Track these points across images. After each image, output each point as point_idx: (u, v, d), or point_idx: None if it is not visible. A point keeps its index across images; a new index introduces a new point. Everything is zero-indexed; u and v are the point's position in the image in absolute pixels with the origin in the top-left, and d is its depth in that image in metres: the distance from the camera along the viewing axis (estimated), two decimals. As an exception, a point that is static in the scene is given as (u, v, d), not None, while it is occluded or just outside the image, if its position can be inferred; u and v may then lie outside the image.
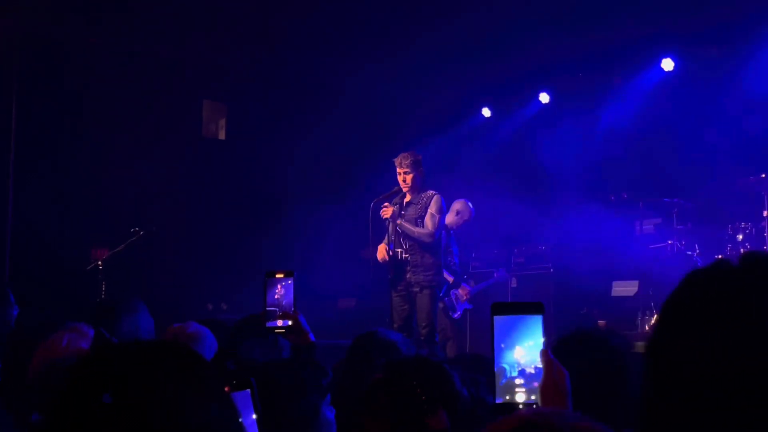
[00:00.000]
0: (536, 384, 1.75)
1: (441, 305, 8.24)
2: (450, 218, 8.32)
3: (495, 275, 9.30)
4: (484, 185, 10.67)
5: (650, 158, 9.67)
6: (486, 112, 11.51)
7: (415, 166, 7.16)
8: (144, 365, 1.27)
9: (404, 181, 7.15)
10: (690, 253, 8.19)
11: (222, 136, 11.07)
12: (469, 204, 8.57)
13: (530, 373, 1.76)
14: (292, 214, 10.45)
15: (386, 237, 7.27)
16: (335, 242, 10.50)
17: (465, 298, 8.56)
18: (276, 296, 3.14)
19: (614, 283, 9.16)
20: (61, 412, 1.23)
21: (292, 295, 3.13)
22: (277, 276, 3.14)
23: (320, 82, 11.02)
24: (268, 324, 3.13)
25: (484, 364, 3.25)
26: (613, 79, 10.00)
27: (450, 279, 8.23)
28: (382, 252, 7.17)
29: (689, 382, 1.10)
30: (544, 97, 10.83)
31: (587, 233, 9.58)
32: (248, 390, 1.85)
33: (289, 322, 3.12)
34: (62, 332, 2.79)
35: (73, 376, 1.27)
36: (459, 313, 8.57)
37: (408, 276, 7.16)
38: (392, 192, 7.35)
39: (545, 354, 1.76)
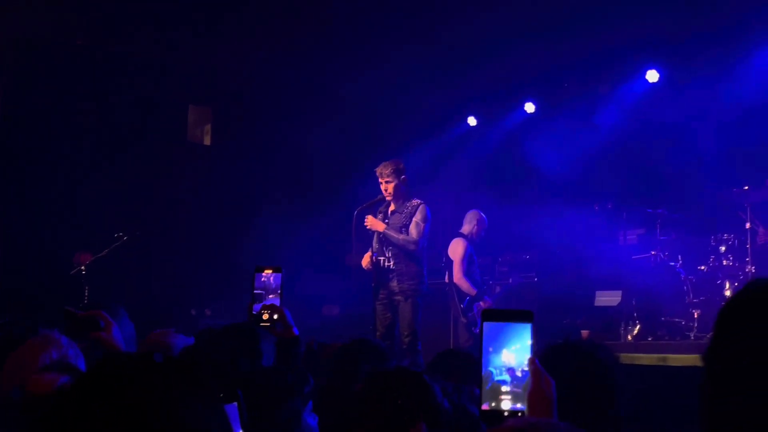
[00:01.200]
0: (521, 388, 1.78)
1: (463, 320, 8.28)
2: (470, 228, 8.50)
3: (510, 281, 9.34)
4: (469, 194, 10.68)
5: (634, 169, 9.73)
6: (472, 120, 11.53)
7: (396, 175, 7.18)
8: (148, 378, 1.29)
9: (386, 190, 7.18)
10: (673, 263, 8.21)
11: (207, 141, 11.05)
12: (481, 213, 8.69)
13: (517, 375, 1.79)
14: (277, 220, 10.44)
15: (372, 247, 7.29)
16: (320, 249, 10.50)
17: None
18: (263, 290, 3.25)
19: (598, 293, 9.19)
20: (63, 420, 1.25)
21: (279, 285, 3.24)
22: (266, 272, 3.27)
23: (306, 89, 11.01)
24: (255, 310, 3.19)
25: (463, 359, 3.22)
26: (599, 90, 10.03)
27: (473, 292, 8.28)
28: (366, 260, 7.17)
29: (747, 382, 1.21)
30: (529, 107, 10.84)
31: (572, 242, 9.60)
32: (235, 403, 1.86)
33: (275, 315, 3.16)
34: (34, 339, 2.73)
35: (78, 385, 1.28)
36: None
37: (391, 284, 7.16)
38: (376, 200, 7.36)
39: (533, 362, 1.78)
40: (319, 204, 10.72)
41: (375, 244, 7.23)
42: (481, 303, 8.37)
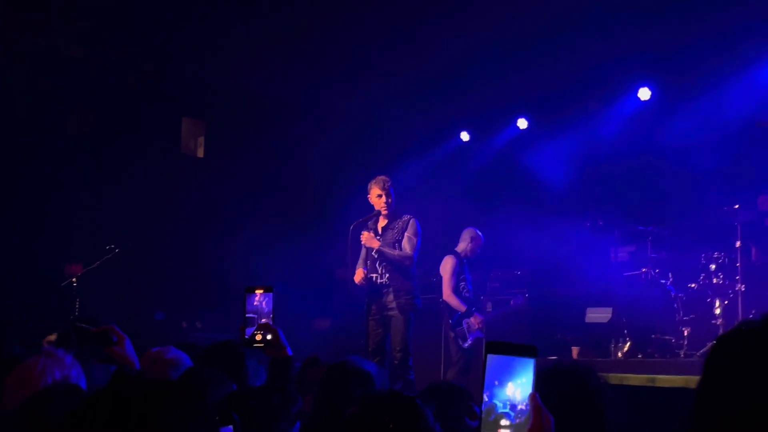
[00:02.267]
0: (522, 423, 1.81)
1: (452, 334, 8.36)
2: (464, 246, 8.59)
3: (512, 302, 9.32)
4: (461, 210, 10.69)
5: (626, 185, 9.72)
6: (464, 136, 11.57)
7: (387, 190, 7.24)
8: (156, 404, 1.36)
9: (388, 203, 7.19)
10: (663, 281, 8.23)
11: (201, 153, 11.06)
12: (478, 231, 8.76)
13: (519, 410, 1.82)
14: (269, 232, 10.42)
15: (360, 260, 7.28)
16: (311, 262, 10.51)
17: (477, 326, 8.47)
18: (255, 311, 3.19)
19: (588, 310, 9.14)
20: None
21: (271, 311, 3.18)
22: (257, 291, 3.20)
23: (298, 104, 11.03)
24: (248, 333, 3.15)
25: (458, 394, 3.22)
26: (591, 107, 10.08)
27: (462, 308, 8.37)
28: (360, 276, 7.17)
29: (729, 421, 1.40)
30: (522, 123, 10.88)
31: (563, 259, 9.61)
32: (231, 426, 1.92)
33: (269, 336, 3.13)
34: (38, 357, 2.74)
35: (87, 406, 1.35)
36: (470, 342, 8.47)
37: (385, 300, 7.16)
38: (370, 216, 7.36)
39: (534, 399, 1.81)
40: (310, 218, 10.90)
41: (366, 261, 7.24)
42: (471, 319, 8.40)
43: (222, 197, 10.67)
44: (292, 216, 10.96)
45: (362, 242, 7.22)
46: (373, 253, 7.21)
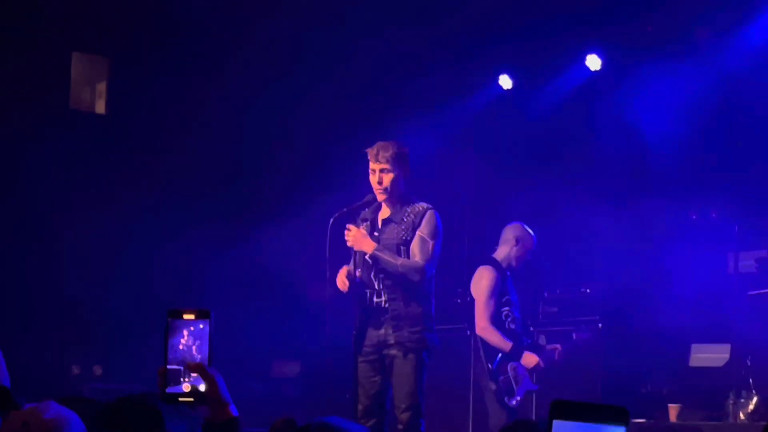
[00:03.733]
0: None
1: (491, 386, 8.36)
2: (506, 251, 8.61)
3: (575, 336, 9.30)
4: (498, 194, 10.86)
5: (757, 160, 9.75)
6: (505, 81, 11.41)
7: (398, 162, 7.11)
8: None
9: (380, 182, 7.12)
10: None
11: (100, 108, 11.15)
12: (527, 227, 8.76)
13: None
14: (203, 229, 10.47)
15: (351, 264, 7.25)
16: (268, 276, 10.58)
17: (534, 367, 8.48)
18: (182, 347, 3.13)
19: (694, 347, 9.23)
20: None
21: (207, 347, 3.13)
22: (185, 317, 3.14)
23: (245, 34, 10.93)
24: (169, 389, 3.10)
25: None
26: (700, 33, 10.11)
27: (506, 346, 8.33)
28: (342, 277, 7.13)
29: None
30: (593, 62, 10.75)
31: (654, 270, 9.77)
32: None
33: (202, 386, 3.06)
34: None
35: None
36: (519, 398, 8.48)
37: (383, 332, 7.13)
38: (362, 203, 7.31)
39: None
40: (266, 208, 10.83)
41: (357, 270, 7.18)
42: (522, 361, 8.41)
43: (132, 177, 10.65)
44: (239, 205, 11.02)
45: (348, 242, 7.16)
46: (366, 258, 7.16)
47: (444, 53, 11.27)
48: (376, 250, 7.07)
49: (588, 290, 9.94)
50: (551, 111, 11.24)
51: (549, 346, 8.82)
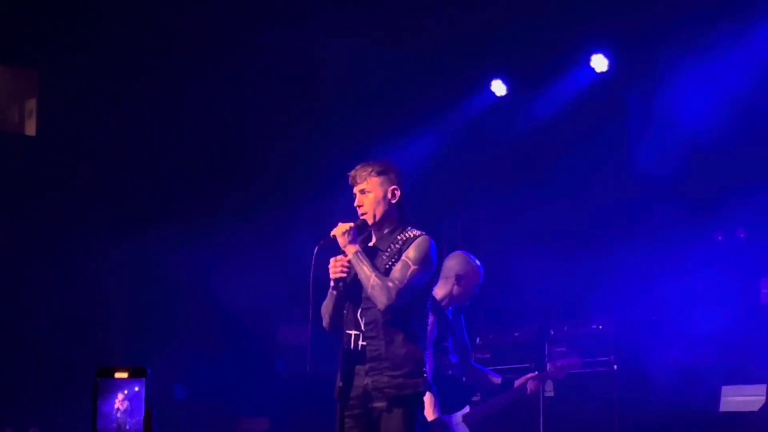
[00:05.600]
0: None
1: None
2: (447, 290, 8.32)
3: (516, 383, 9.04)
4: (493, 215, 11.31)
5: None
6: (498, 87, 11.67)
7: (382, 182, 6.78)
8: None
9: (359, 205, 6.83)
10: None
11: (30, 129, 11.23)
12: (471, 258, 8.44)
13: None
14: (156, 260, 10.50)
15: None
16: (236, 314, 10.63)
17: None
18: (116, 412, 3.27)
19: (724, 390, 9.18)
20: None
21: (142, 412, 3.28)
22: (117, 376, 3.29)
23: (212, 35, 11.10)
24: None
25: None
26: (724, 26, 9.82)
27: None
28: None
29: None
30: (599, 62, 10.84)
31: (673, 300, 9.58)
32: None
33: None
34: None
35: None
36: None
37: (367, 380, 6.67)
38: (355, 225, 6.91)
39: None
40: (235, 232, 10.85)
41: (346, 311, 6.77)
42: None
43: (69, 204, 10.78)
44: (198, 228, 10.90)
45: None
46: (354, 285, 6.74)
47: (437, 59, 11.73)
48: (357, 252, 6.70)
49: (600, 326, 9.98)
50: (553, 118, 11.44)
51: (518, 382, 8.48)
